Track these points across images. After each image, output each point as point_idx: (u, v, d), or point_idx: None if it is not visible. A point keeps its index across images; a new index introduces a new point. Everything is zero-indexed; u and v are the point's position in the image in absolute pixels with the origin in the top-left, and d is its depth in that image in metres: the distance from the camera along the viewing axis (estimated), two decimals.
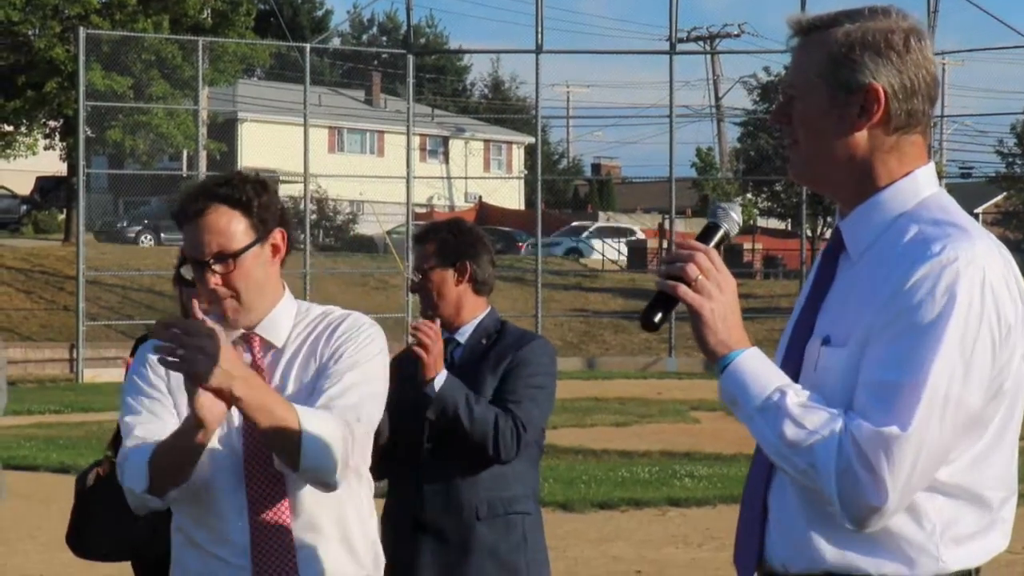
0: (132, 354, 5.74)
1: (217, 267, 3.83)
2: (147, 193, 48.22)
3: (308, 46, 36.57)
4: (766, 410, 2.94)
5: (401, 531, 5.32)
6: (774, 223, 61.40)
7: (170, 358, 3.52)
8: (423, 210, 55.59)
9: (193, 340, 3.51)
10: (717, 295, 2.99)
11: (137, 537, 5.44)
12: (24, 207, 54.44)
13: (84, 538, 5.56)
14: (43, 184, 55.40)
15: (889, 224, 3.05)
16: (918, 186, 3.08)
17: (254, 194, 3.88)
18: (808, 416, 2.91)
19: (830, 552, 3.01)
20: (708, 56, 66.39)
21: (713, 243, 3.08)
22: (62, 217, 47.45)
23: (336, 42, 70.73)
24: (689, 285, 2.98)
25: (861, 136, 3.06)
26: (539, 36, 35.02)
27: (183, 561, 3.97)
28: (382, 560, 4.09)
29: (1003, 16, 51.41)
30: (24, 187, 56.03)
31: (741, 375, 2.98)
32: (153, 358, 3.83)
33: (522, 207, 62.26)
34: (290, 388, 3.88)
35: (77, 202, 33.67)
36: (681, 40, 44.13)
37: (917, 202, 3.06)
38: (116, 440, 5.68)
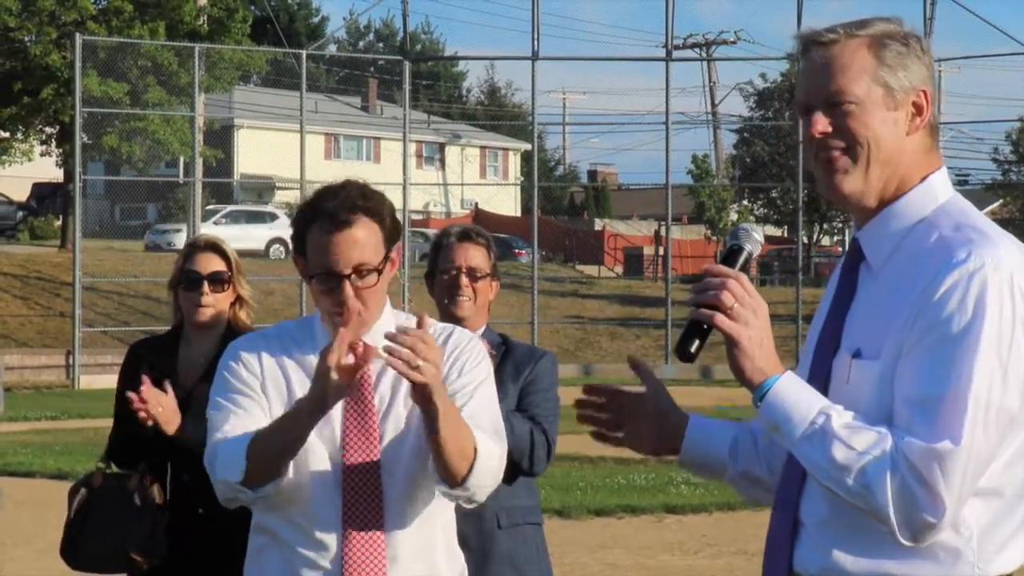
0: (126, 362, 5.73)
1: (358, 281, 3.81)
2: (143, 199, 48.21)
3: (304, 53, 36.55)
4: (812, 434, 2.92)
5: None
6: (770, 230, 61.41)
7: (406, 366, 3.52)
8: (419, 217, 55.60)
9: (431, 353, 3.53)
10: (753, 322, 2.95)
11: (133, 545, 5.44)
12: (20, 213, 54.41)
13: (79, 550, 5.55)
14: (39, 191, 55.36)
15: (908, 231, 3.04)
16: (935, 191, 3.07)
17: (386, 208, 3.91)
18: (856, 437, 2.89)
19: (864, 560, 3.00)
20: (704, 63, 66.44)
21: (738, 266, 3.04)
22: (58, 223, 47.42)
23: (332, 49, 70.78)
24: (724, 313, 2.94)
25: (914, 139, 3.07)
26: (535, 43, 35.02)
27: (262, 561, 3.92)
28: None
29: (999, 23, 51.58)
30: (20, 193, 55.99)
31: (782, 401, 2.95)
32: (248, 357, 3.88)
33: (518, 214, 62.25)
34: (400, 399, 3.86)
35: (73, 208, 33.68)
36: (677, 47, 44.11)
37: (935, 207, 3.06)
38: (111, 450, 5.67)
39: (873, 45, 3.06)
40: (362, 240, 3.83)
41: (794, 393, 2.95)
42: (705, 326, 2.98)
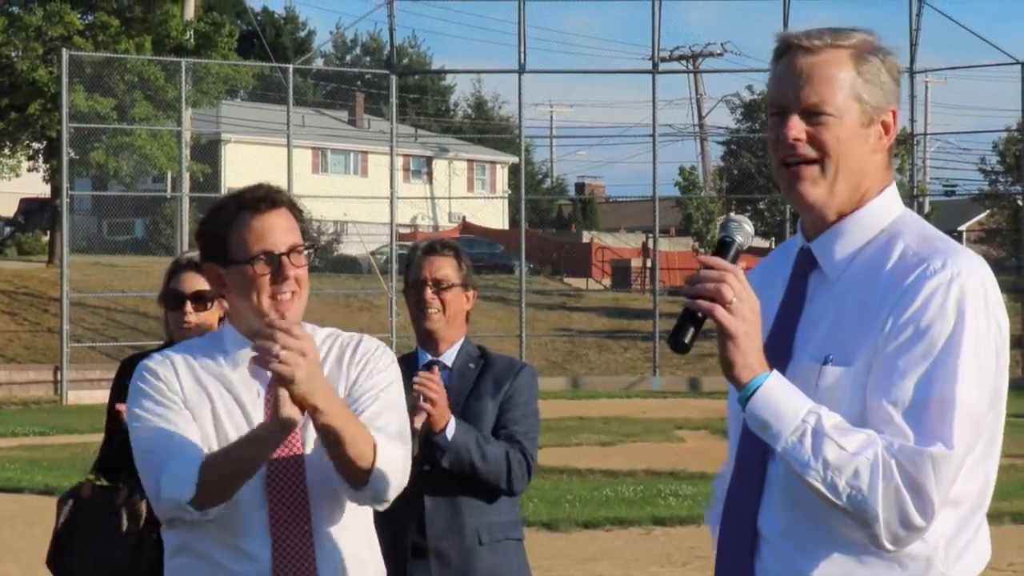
0: (117, 377, 5.73)
1: (295, 258, 3.82)
2: (131, 214, 48.14)
3: (291, 67, 36.56)
4: (803, 434, 2.91)
5: (398, 555, 5.16)
6: (757, 241, 61.40)
7: (269, 357, 3.50)
8: (407, 230, 55.59)
9: (294, 342, 3.50)
10: (750, 317, 2.95)
11: (118, 560, 5.44)
12: (8, 229, 54.37)
13: (65, 562, 5.55)
14: (27, 206, 55.32)
15: (869, 241, 3.08)
16: (891, 204, 3.13)
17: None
18: (846, 438, 2.90)
19: (830, 570, 3.00)
20: (691, 75, 66.50)
21: (729, 258, 3.03)
22: (46, 239, 47.35)
23: (319, 63, 70.75)
24: (723, 306, 2.93)
25: (879, 156, 3.11)
26: (522, 56, 35.05)
27: None
28: None
29: (985, 34, 51.60)
30: (8, 209, 55.96)
31: (772, 400, 2.94)
32: (164, 373, 3.84)
33: (506, 227, 62.26)
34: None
35: (61, 224, 33.63)
36: (664, 59, 44.14)
37: (892, 219, 3.11)
38: (100, 463, 5.68)
39: (856, 58, 3.08)
40: (290, 225, 3.86)
41: (784, 393, 2.95)
42: (700, 315, 2.96)
